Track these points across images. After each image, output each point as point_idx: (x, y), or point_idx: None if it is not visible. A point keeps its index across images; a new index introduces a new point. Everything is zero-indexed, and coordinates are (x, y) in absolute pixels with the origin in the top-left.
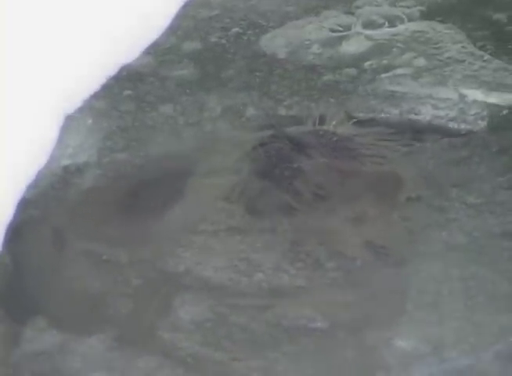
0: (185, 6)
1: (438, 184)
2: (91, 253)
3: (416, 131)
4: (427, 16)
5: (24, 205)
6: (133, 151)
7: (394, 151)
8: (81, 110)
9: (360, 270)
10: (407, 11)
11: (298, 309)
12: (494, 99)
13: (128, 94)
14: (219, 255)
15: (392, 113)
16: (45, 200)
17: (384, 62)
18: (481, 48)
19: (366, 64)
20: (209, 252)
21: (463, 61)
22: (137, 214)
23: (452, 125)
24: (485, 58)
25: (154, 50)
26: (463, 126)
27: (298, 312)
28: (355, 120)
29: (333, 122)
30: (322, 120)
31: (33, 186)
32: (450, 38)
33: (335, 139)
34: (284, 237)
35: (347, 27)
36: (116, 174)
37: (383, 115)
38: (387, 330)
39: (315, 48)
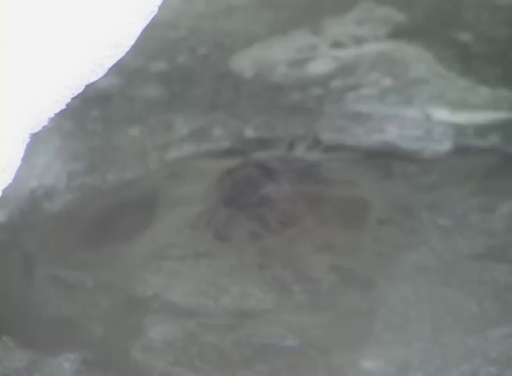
0: (151, 27)
1: (408, 207)
2: (58, 278)
3: (384, 155)
4: (393, 36)
5: None
6: (100, 173)
7: (363, 176)
8: (48, 130)
9: (327, 293)
10: (373, 32)
11: (268, 329)
12: (459, 118)
13: (96, 114)
14: (186, 280)
15: (358, 132)
16: (12, 223)
17: (350, 82)
18: (447, 67)
19: (332, 84)
20: (176, 277)
21: (429, 81)
22: (105, 240)
23: (418, 145)
24: (451, 78)
25: (121, 70)
26: (429, 145)
27: (269, 331)
28: (323, 145)
29: (302, 148)
30: (291, 145)
31: None
32: (416, 58)
33: (304, 165)
34: (251, 262)
35: (314, 48)
36: (84, 199)
37: (349, 135)
38: (353, 352)
39: (282, 69)
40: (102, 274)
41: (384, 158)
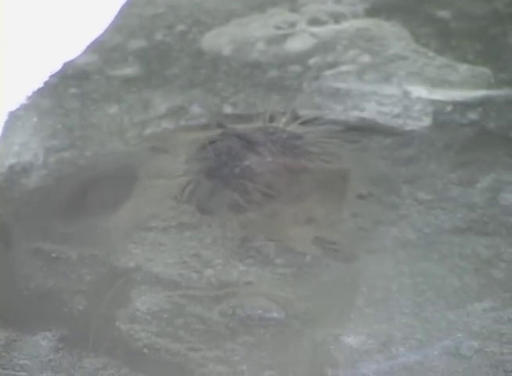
0: (129, 4)
1: (389, 181)
2: (40, 251)
3: (363, 129)
4: (371, 13)
5: None
6: (78, 150)
7: (342, 148)
8: (25, 107)
9: (309, 265)
10: (352, 8)
11: (253, 300)
12: (438, 95)
13: (74, 92)
14: (169, 251)
15: (337, 109)
16: None
17: (329, 59)
18: (425, 45)
19: (311, 61)
20: (159, 248)
21: (408, 58)
22: (86, 212)
23: (397, 122)
24: (429, 55)
25: (99, 48)
26: (407, 122)
27: (254, 303)
28: (303, 118)
29: (283, 120)
30: (271, 118)
31: None
32: (394, 35)
33: (285, 136)
34: (234, 234)
35: (292, 25)
36: (62, 173)
37: (328, 112)
38: (336, 327)
39: (260, 46)
40: (84, 247)
41: (363, 131)
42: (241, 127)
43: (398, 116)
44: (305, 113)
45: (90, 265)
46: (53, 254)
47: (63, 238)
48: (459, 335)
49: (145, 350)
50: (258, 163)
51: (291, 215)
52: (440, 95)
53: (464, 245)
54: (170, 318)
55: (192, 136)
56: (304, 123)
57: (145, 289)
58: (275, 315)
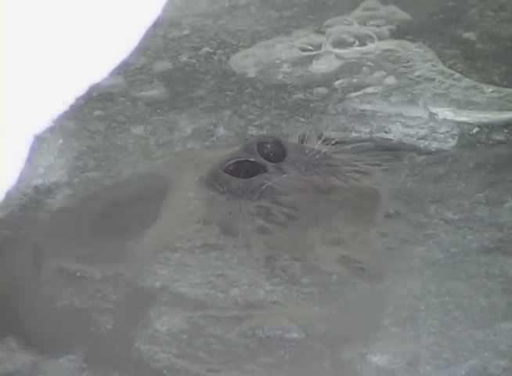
0: (155, 26)
1: (417, 200)
2: (66, 271)
3: (391, 149)
4: (397, 34)
5: None
6: (104, 172)
7: (374, 166)
8: (51, 130)
9: (336, 285)
10: (377, 30)
11: (274, 321)
12: (464, 117)
13: (99, 114)
14: (195, 272)
15: (362, 131)
16: (16, 221)
17: (354, 81)
18: (450, 66)
19: (337, 83)
20: (185, 269)
21: (433, 79)
22: (111, 232)
23: (423, 144)
24: (455, 76)
25: (125, 70)
26: (433, 144)
27: (274, 324)
28: (337, 139)
29: (317, 141)
30: (305, 139)
31: (3, 206)
32: (420, 57)
33: (318, 156)
34: (259, 254)
35: (318, 46)
36: (87, 194)
37: (354, 134)
38: (362, 345)
39: (286, 67)
40: (109, 267)
41: (391, 151)
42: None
43: (423, 138)
44: (331, 134)
45: (115, 284)
46: (78, 274)
47: (88, 258)
48: (486, 354)
49: (165, 371)
50: (284, 181)
51: (317, 234)
52: (466, 117)
53: (492, 265)
54: (189, 339)
55: (216, 154)
56: (336, 144)
57: (166, 310)
58: (295, 335)
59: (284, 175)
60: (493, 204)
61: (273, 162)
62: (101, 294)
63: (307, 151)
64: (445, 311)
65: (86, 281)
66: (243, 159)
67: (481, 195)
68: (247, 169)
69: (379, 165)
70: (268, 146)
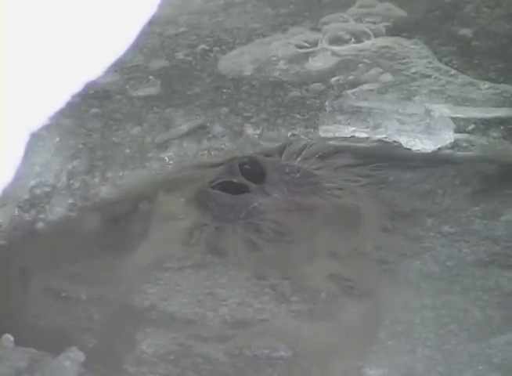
0: (150, 24)
1: (413, 214)
2: (52, 290)
3: (382, 159)
4: (393, 31)
5: None
6: (100, 172)
7: (357, 183)
8: (47, 127)
9: (325, 303)
10: (373, 27)
11: (261, 339)
12: (460, 113)
13: (95, 112)
14: (184, 291)
15: (359, 128)
16: (4, 237)
17: (351, 77)
18: (447, 63)
19: (333, 80)
20: (174, 288)
21: (430, 76)
22: (101, 251)
23: (420, 139)
24: (451, 73)
25: (121, 68)
26: (429, 141)
27: (261, 342)
28: (321, 152)
29: (298, 158)
30: (288, 154)
31: None
32: (416, 54)
33: (298, 175)
34: (248, 272)
35: (314, 43)
36: (78, 212)
37: (348, 132)
38: (356, 360)
39: (282, 65)
40: (95, 286)
41: (383, 162)
42: (256, 162)
43: (419, 134)
44: (326, 128)
45: (100, 304)
46: (63, 294)
47: (74, 277)
48: (480, 368)
49: None
50: (266, 203)
51: (305, 252)
52: (462, 113)
53: (487, 278)
54: (177, 359)
55: (199, 174)
56: (321, 157)
57: (152, 331)
58: (283, 354)
59: (267, 197)
60: (489, 218)
61: (255, 182)
62: (86, 314)
63: (287, 170)
64: (440, 324)
65: (70, 301)
66: (226, 179)
67: (477, 208)
68: (231, 189)
69: (365, 180)
70: (247, 166)
